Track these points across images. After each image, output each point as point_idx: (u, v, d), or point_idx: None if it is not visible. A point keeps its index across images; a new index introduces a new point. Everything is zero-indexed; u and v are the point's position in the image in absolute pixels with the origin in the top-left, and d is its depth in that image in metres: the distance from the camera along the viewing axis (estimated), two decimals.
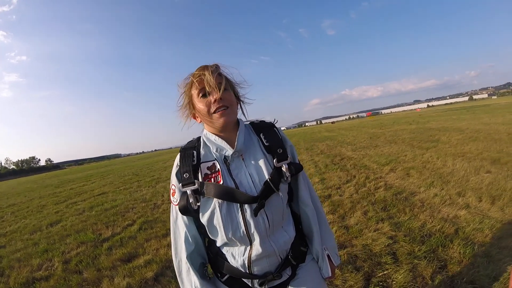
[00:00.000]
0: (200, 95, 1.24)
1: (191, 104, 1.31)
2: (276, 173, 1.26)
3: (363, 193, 5.98)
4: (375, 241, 3.77)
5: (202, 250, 1.40)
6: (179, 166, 1.30)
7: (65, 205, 11.20)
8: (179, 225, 1.35)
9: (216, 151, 1.30)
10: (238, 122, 1.35)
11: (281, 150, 1.31)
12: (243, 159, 1.30)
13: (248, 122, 1.45)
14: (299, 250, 1.40)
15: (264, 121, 1.45)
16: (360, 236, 3.99)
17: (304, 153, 15.05)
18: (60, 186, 22.08)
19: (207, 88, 1.20)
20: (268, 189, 1.22)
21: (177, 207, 1.30)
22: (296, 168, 1.33)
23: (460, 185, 5.54)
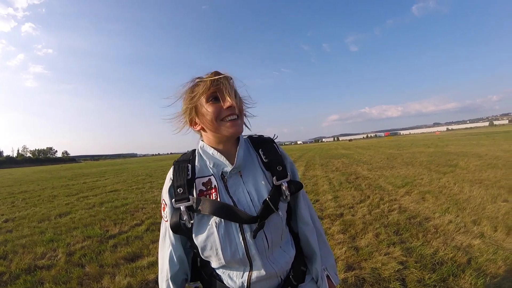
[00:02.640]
0: (211, 99, 1.17)
1: (193, 108, 1.23)
2: (276, 192, 1.21)
3: (376, 214, 5.90)
4: (385, 265, 3.70)
5: (186, 269, 1.34)
6: (172, 180, 1.23)
7: (76, 198, 11.43)
8: (166, 243, 1.29)
9: (213, 166, 1.25)
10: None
11: (281, 168, 1.26)
12: (241, 175, 1.24)
13: (246, 136, 1.40)
14: (300, 270, 1.35)
15: (262, 135, 1.39)
16: (370, 259, 3.92)
17: (319, 169, 14.98)
18: (74, 179, 22.54)
19: (224, 92, 1.15)
20: (267, 209, 1.16)
21: (167, 223, 1.24)
22: (296, 187, 1.28)
23: (476, 213, 5.43)
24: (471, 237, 4.34)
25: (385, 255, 3.99)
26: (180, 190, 1.18)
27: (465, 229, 4.66)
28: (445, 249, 4.00)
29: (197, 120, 1.25)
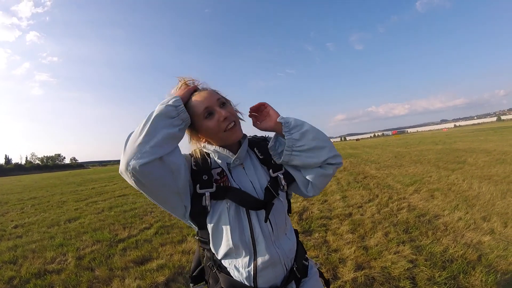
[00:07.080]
0: (206, 115, 1.23)
1: (191, 127, 1.29)
2: (274, 182, 1.31)
3: (385, 213, 5.88)
4: (395, 264, 3.69)
5: None
6: (196, 164, 1.28)
7: (85, 203, 11.48)
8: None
9: (218, 158, 1.33)
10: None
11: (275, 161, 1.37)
12: (243, 167, 1.35)
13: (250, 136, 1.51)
14: (302, 263, 1.41)
15: (256, 135, 1.50)
16: (380, 258, 3.92)
17: None
18: (82, 184, 22.59)
19: (215, 106, 1.24)
20: (269, 195, 1.26)
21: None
22: (291, 177, 1.37)
23: (486, 209, 5.40)
24: (481, 233, 4.32)
25: (394, 254, 3.98)
26: (205, 177, 1.24)
27: (475, 226, 4.63)
28: (455, 247, 3.98)
29: (199, 135, 1.35)
